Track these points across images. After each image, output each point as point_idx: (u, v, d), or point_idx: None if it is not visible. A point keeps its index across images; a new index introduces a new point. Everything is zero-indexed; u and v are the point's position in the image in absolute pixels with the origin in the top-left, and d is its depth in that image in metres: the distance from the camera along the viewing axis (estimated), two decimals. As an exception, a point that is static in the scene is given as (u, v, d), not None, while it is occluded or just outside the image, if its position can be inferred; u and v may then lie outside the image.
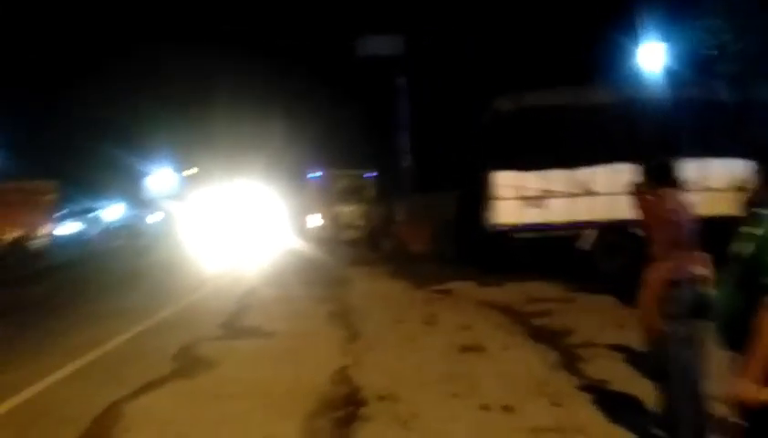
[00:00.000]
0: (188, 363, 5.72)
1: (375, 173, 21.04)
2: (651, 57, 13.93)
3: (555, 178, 10.88)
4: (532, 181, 10.90)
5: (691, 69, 13.82)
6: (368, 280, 11.63)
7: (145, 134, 29.57)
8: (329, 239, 20.00)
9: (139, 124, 29.74)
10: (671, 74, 13.31)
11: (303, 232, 21.51)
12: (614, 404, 4.30)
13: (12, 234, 16.59)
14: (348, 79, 22.48)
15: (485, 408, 4.24)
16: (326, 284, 11.20)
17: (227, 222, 20.08)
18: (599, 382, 4.76)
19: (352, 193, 20.67)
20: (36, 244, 17.99)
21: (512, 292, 9.27)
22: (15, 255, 16.80)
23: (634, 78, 12.92)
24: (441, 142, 18.67)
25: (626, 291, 8.54)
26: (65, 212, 22.25)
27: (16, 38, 26.80)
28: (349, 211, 20.44)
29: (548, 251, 11.15)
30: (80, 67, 28.78)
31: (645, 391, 4.47)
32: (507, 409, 4.20)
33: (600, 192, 10.79)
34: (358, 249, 18.58)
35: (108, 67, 28.40)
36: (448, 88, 19.08)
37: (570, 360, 5.42)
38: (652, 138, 10.66)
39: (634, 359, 5.37)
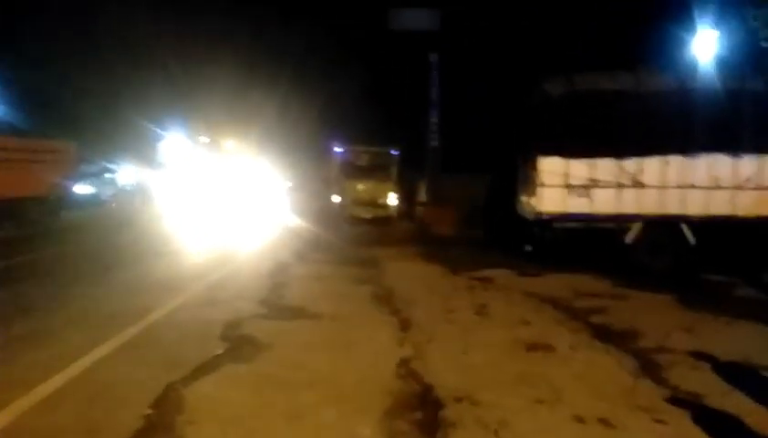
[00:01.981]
0: (239, 343, 5.38)
1: (397, 151, 20.53)
2: (704, 46, 13.31)
3: (604, 167, 10.43)
4: (579, 168, 10.45)
5: (744, 61, 13.22)
6: (399, 261, 11.29)
7: (159, 99, 29.08)
8: (349, 217, 19.66)
9: (153, 88, 29.25)
10: (724, 64, 12.70)
11: (322, 208, 21.12)
12: (720, 423, 3.94)
13: (29, 192, 16.24)
14: (378, 52, 21.82)
15: (580, 420, 3.88)
16: (357, 263, 10.88)
17: (232, 192, 19.66)
18: (693, 395, 4.39)
19: (374, 171, 20.20)
20: (52, 202, 17.67)
21: (556, 284, 8.92)
22: (32, 212, 16.48)
23: (687, 67, 12.30)
24: (472, 123, 18.12)
25: (681, 291, 8.29)
26: (80, 172, 21.84)
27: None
28: (370, 188, 20.01)
29: (589, 243, 10.76)
30: (96, 29, 28.09)
31: (745, 408, 4.13)
32: (605, 423, 3.84)
33: (649, 185, 10.36)
34: (380, 228, 18.25)
35: (121, 30, 27.73)
36: (482, 67, 18.47)
37: (650, 367, 5.05)
38: (707, 131, 10.23)
39: (720, 368, 5.02)
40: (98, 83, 28.33)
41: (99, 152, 26.34)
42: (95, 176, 25.85)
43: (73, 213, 19.09)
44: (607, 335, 6.08)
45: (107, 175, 27.48)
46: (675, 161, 10.24)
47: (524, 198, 11.60)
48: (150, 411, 3.80)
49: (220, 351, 5.14)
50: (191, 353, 5.00)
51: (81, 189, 22.77)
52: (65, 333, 5.54)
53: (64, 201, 18.77)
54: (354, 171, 20.16)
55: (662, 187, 10.31)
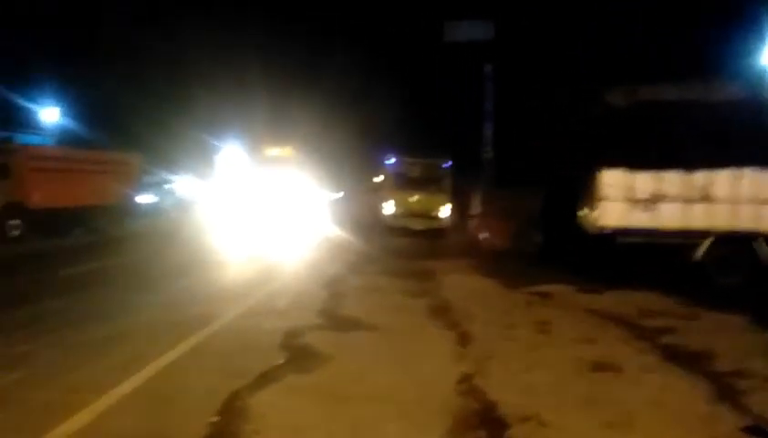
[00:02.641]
0: (299, 354, 5.42)
1: (449, 163, 20.41)
2: (777, 54, 12.66)
3: (670, 180, 10.02)
4: (643, 182, 10.08)
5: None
6: (454, 274, 11.16)
7: (217, 111, 30.06)
8: (401, 228, 19.64)
9: (212, 101, 30.32)
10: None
11: (372, 219, 21.19)
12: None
13: (97, 201, 17.07)
14: (432, 64, 21.84)
15: (655, 446, 3.70)
16: (411, 275, 10.83)
17: (283, 204, 19.59)
18: (778, 425, 4.10)
19: (426, 183, 20.13)
20: (118, 211, 18.50)
21: (619, 301, 8.58)
22: (100, 220, 17.31)
23: (758, 75, 11.73)
24: (526, 135, 17.82)
25: (756, 311, 7.81)
26: (143, 183, 22.81)
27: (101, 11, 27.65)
28: (423, 200, 19.94)
29: (654, 259, 10.33)
30: (158, 51, 29.37)
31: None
32: (683, 450, 3.64)
33: (719, 199, 9.87)
34: (433, 240, 18.15)
35: (185, 46, 28.90)
36: (538, 77, 18.18)
37: (727, 392, 4.75)
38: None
39: (807, 397, 4.68)
40: (158, 99, 29.61)
41: (161, 164, 27.42)
42: (156, 187, 26.93)
43: (136, 221, 19.93)
44: (678, 356, 5.78)
45: (167, 186, 28.56)
46: (749, 174, 9.73)
47: (584, 211, 11.27)
48: (216, 419, 3.87)
49: (281, 361, 5.19)
50: (253, 362, 5.07)
51: (144, 199, 23.75)
52: (133, 339, 5.75)
53: (128, 210, 19.66)
54: (406, 182, 20.14)
55: (734, 201, 9.81)
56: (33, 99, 23.67)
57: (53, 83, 24.85)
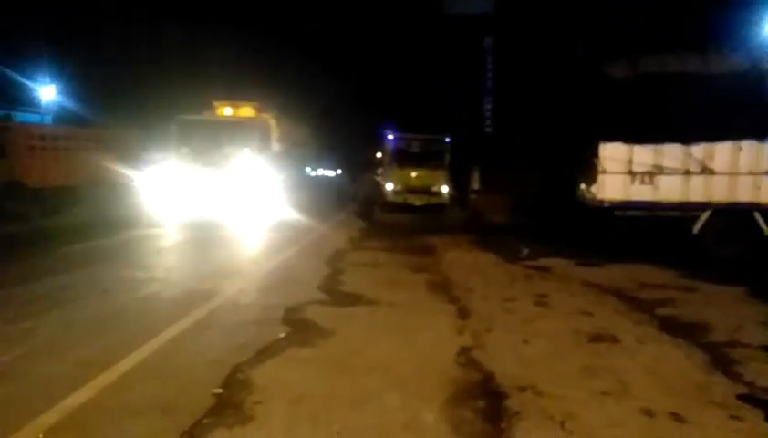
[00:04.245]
0: (301, 328, 5.48)
1: (449, 139, 20.37)
2: (780, 24, 12.50)
3: (670, 153, 10.00)
4: (642, 155, 10.07)
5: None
6: (454, 249, 11.22)
7: (213, 88, 29.81)
8: (401, 204, 19.67)
9: (208, 79, 30.06)
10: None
11: (374, 195, 21.09)
12: (802, 423, 3.73)
13: (95, 179, 17.04)
14: (432, 38, 21.57)
15: (649, 413, 3.76)
16: (412, 251, 10.91)
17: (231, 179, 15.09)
18: (771, 393, 4.17)
19: (426, 158, 20.12)
20: (115, 189, 18.46)
21: (618, 274, 8.65)
22: (97, 198, 17.28)
23: (760, 47, 11.60)
24: (527, 109, 17.69)
25: (753, 283, 7.87)
26: (142, 160, 22.71)
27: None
28: (423, 176, 19.95)
29: (653, 232, 10.37)
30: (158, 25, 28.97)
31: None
32: (677, 418, 3.70)
33: (718, 172, 9.87)
34: (433, 216, 18.19)
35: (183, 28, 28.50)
36: (538, 51, 17.97)
37: (722, 362, 4.83)
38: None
39: (800, 366, 4.75)
40: (153, 76, 29.30)
41: (158, 142, 27.27)
42: (156, 164, 26.79)
43: (135, 199, 19.84)
44: (674, 327, 5.85)
45: (165, 164, 28.41)
46: (748, 146, 9.71)
47: (583, 185, 11.26)
48: (220, 391, 3.94)
49: (282, 335, 5.25)
50: (255, 336, 5.14)
51: (143, 177, 23.66)
52: (135, 315, 5.82)
53: (127, 188, 19.59)
54: (406, 158, 20.13)
55: (734, 174, 9.81)
56: (30, 77, 23.48)
57: (50, 61, 24.63)
